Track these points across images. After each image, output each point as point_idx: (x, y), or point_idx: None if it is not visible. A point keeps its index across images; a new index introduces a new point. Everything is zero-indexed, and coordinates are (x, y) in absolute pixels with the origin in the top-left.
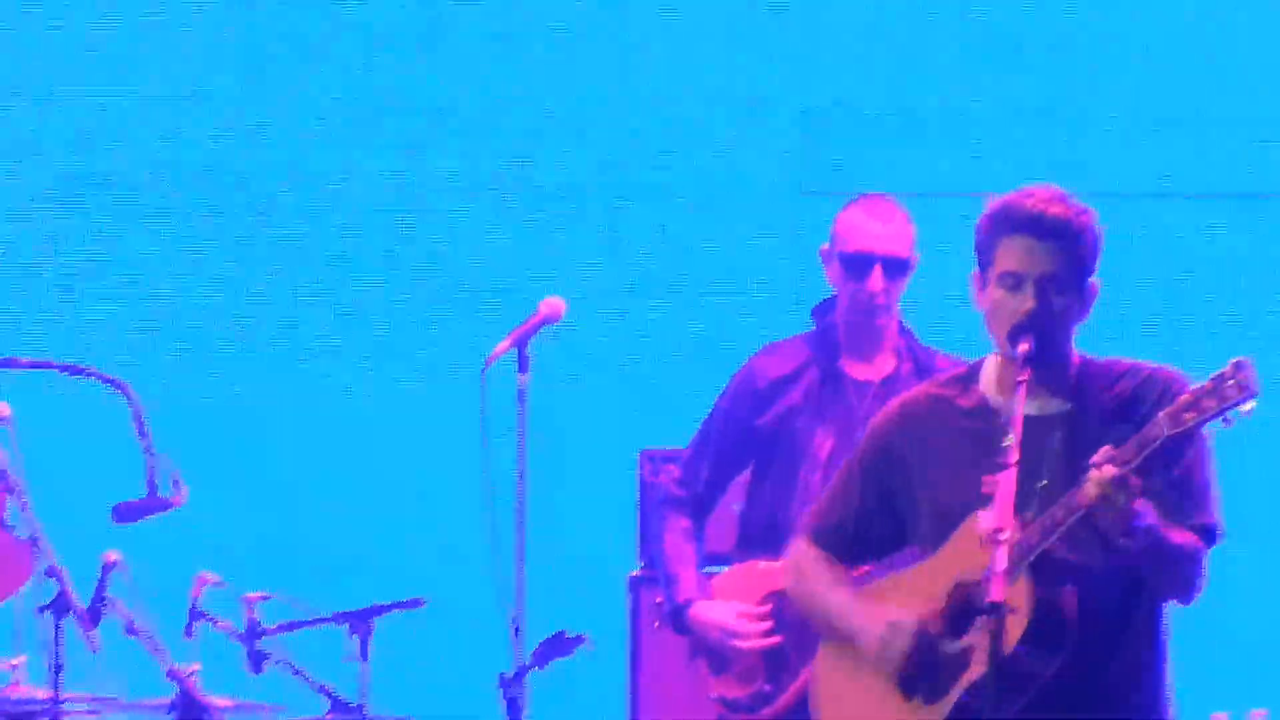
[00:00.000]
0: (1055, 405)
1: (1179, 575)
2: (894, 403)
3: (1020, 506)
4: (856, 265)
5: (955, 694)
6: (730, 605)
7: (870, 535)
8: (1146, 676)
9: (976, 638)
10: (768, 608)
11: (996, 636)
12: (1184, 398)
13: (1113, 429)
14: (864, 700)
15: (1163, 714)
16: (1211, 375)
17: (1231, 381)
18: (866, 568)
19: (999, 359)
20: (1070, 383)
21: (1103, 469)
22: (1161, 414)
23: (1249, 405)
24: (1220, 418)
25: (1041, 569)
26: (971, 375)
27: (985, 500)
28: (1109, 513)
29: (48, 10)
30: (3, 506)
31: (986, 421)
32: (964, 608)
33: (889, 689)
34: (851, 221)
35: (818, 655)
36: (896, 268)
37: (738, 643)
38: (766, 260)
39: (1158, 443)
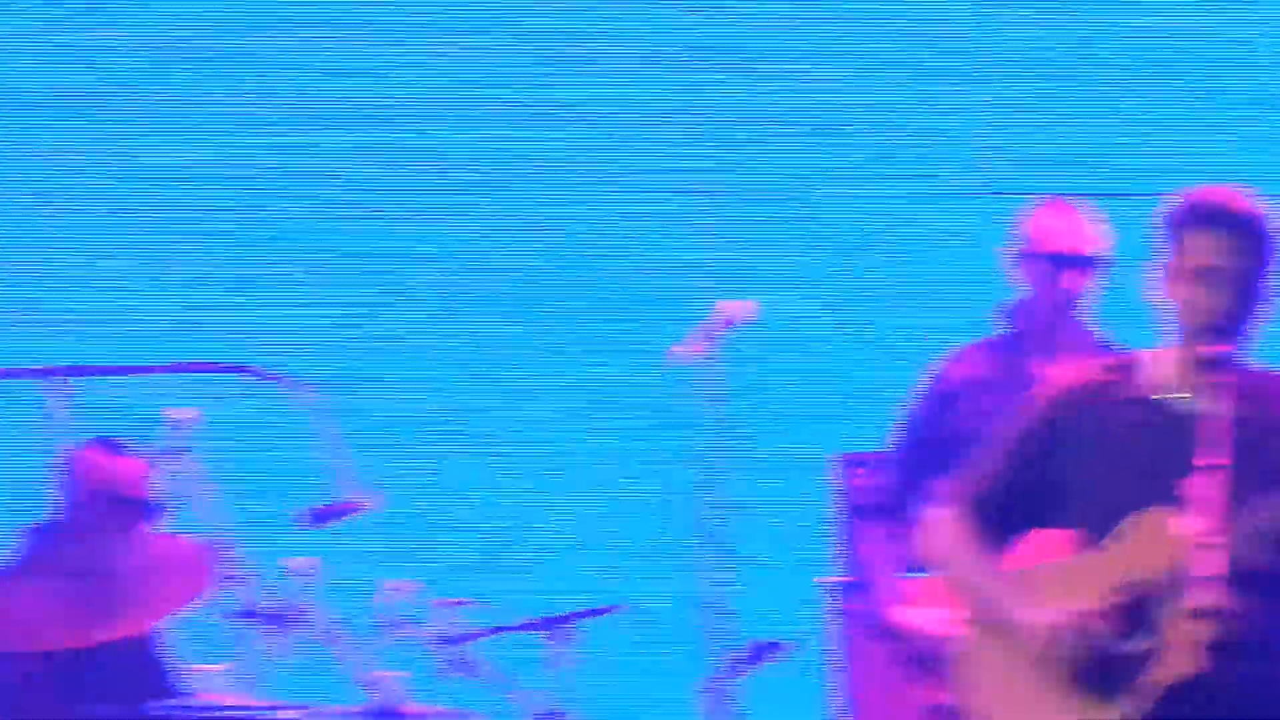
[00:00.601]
0: (1226, 407)
1: None
2: (1055, 381)
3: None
4: (1049, 266)
5: (1136, 696)
6: (931, 611)
7: (1019, 512)
8: None
9: (1161, 640)
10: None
11: (1204, 641)
12: None
13: (1275, 438)
14: (1019, 688)
15: None
16: None
17: None
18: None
19: (1171, 351)
20: (1239, 385)
21: None
22: None
23: None
24: None
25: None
26: (1135, 364)
27: (1146, 496)
28: None
29: None
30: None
31: (1150, 412)
32: (1136, 608)
33: (1049, 680)
34: (1041, 224)
35: (967, 634)
36: (1085, 265)
37: (943, 644)
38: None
39: None
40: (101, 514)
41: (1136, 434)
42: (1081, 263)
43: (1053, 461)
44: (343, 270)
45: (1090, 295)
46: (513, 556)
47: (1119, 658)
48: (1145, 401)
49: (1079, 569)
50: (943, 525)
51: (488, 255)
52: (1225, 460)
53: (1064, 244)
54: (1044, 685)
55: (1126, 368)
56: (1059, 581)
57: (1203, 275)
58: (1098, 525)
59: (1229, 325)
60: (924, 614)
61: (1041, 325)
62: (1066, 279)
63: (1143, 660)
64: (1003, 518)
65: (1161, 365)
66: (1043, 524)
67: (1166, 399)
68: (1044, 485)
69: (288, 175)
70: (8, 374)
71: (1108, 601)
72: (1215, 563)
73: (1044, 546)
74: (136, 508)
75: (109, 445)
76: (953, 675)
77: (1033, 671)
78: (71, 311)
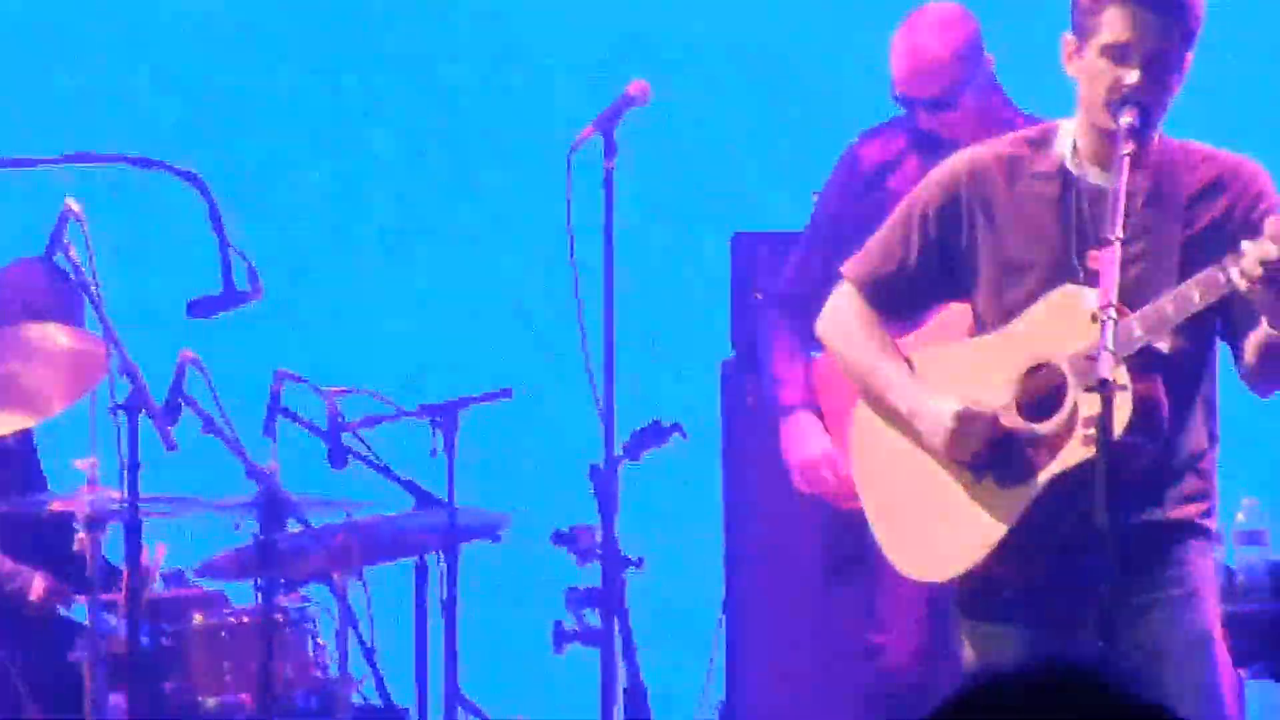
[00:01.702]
0: (1136, 181)
1: None
2: (961, 155)
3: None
4: (908, 108)
5: (1047, 477)
6: (824, 442)
7: (921, 290)
8: (1204, 463)
9: (1067, 420)
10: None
11: (1105, 415)
12: None
13: (1191, 212)
14: (920, 474)
15: (1213, 500)
16: None
17: None
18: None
19: (1081, 125)
20: (1151, 160)
21: (1263, 248)
22: None
23: None
24: None
25: (1134, 357)
26: (1045, 139)
27: (1056, 270)
28: (1269, 295)
29: None
30: (78, 301)
31: (1062, 187)
32: (1046, 388)
33: (952, 468)
34: (895, 59)
35: (856, 421)
36: (941, 104)
37: (802, 486)
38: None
39: None
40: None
41: (1041, 205)
42: (929, 106)
43: (958, 238)
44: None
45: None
46: (399, 345)
47: (1029, 440)
48: (1055, 174)
49: (983, 349)
50: (842, 309)
51: None
52: (1126, 234)
53: (910, 90)
54: (945, 472)
55: (1037, 141)
56: (963, 364)
57: (1116, 50)
58: (1004, 301)
59: (1140, 100)
60: (815, 441)
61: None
62: (919, 121)
63: (1050, 443)
64: (903, 296)
65: (1067, 136)
66: (948, 298)
67: (1076, 172)
68: (949, 263)
69: None
70: None
71: (1012, 383)
72: (1111, 336)
73: (950, 325)
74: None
75: (48, 268)
76: (852, 462)
77: (933, 458)
78: None
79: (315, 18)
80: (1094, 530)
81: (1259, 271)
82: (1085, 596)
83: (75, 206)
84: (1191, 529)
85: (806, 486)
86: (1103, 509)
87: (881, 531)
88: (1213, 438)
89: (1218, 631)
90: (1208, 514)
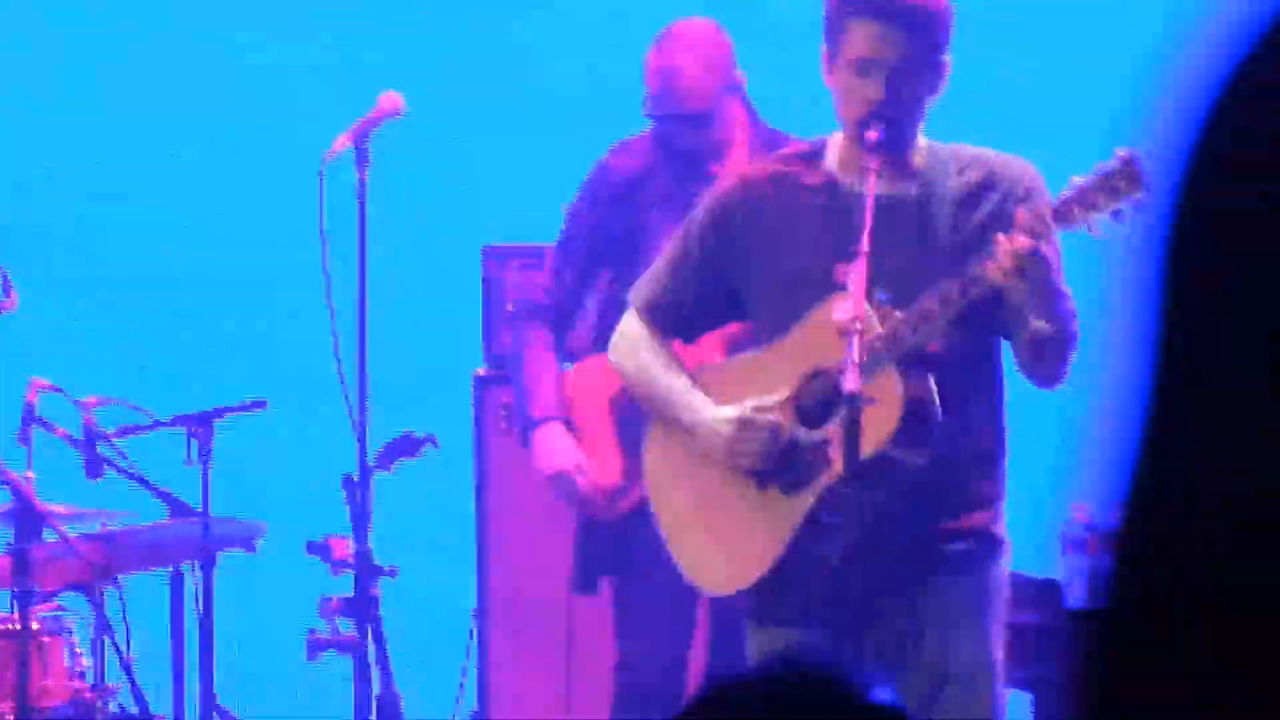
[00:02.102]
0: (902, 188)
1: (1066, 355)
2: (732, 175)
3: (871, 293)
4: (662, 126)
5: (819, 485)
6: (569, 452)
7: (704, 310)
8: (989, 465)
9: (835, 428)
10: (614, 408)
11: (852, 429)
12: (1070, 192)
13: (960, 215)
14: (709, 487)
15: (999, 503)
16: (1095, 167)
17: (1121, 176)
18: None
19: (845, 138)
20: (917, 166)
21: (1015, 240)
22: (1049, 204)
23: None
24: (1110, 213)
25: (907, 361)
26: (816, 152)
27: (830, 282)
28: (1024, 286)
29: None
30: None
31: (834, 199)
32: (823, 396)
33: (738, 478)
34: (647, 74)
35: (647, 439)
36: (697, 121)
37: (557, 495)
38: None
39: (1050, 229)
40: None
41: (814, 218)
42: (688, 121)
43: (734, 258)
44: None
45: (723, 115)
46: (153, 354)
47: (805, 448)
48: (823, 187)
49: (759, 362)
50: (629, 334)
51: None
52: (888, 244)
53: (664, 108)
54: (726, 479)
55: (807, 155)
56: (739, 375)
57: (858, 65)
58: (780, 313)
59: (884, 114)
60: (562, 444)
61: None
62: (677, 141)
63: (825, 449)
64: (688, 319)
65: (835, 149)
66: (732, 317)
67: (844, 183)
68: (728, 282)
69: None
70: None
71: (787, 392)
72: (884, 349)
73: (727, 342)
74: None
75: None
76: (645, 479)
77: (715, 468)
78: None
79: None
80: (876, 539)
81: (1010, 263)
82: (872, 607)
83: None
84: (978, 536)
85: (560, 496)
86: (852, 526)
87: (675, 548)
88: (999, 440)
89: (999, 652)
90: (995, 520)
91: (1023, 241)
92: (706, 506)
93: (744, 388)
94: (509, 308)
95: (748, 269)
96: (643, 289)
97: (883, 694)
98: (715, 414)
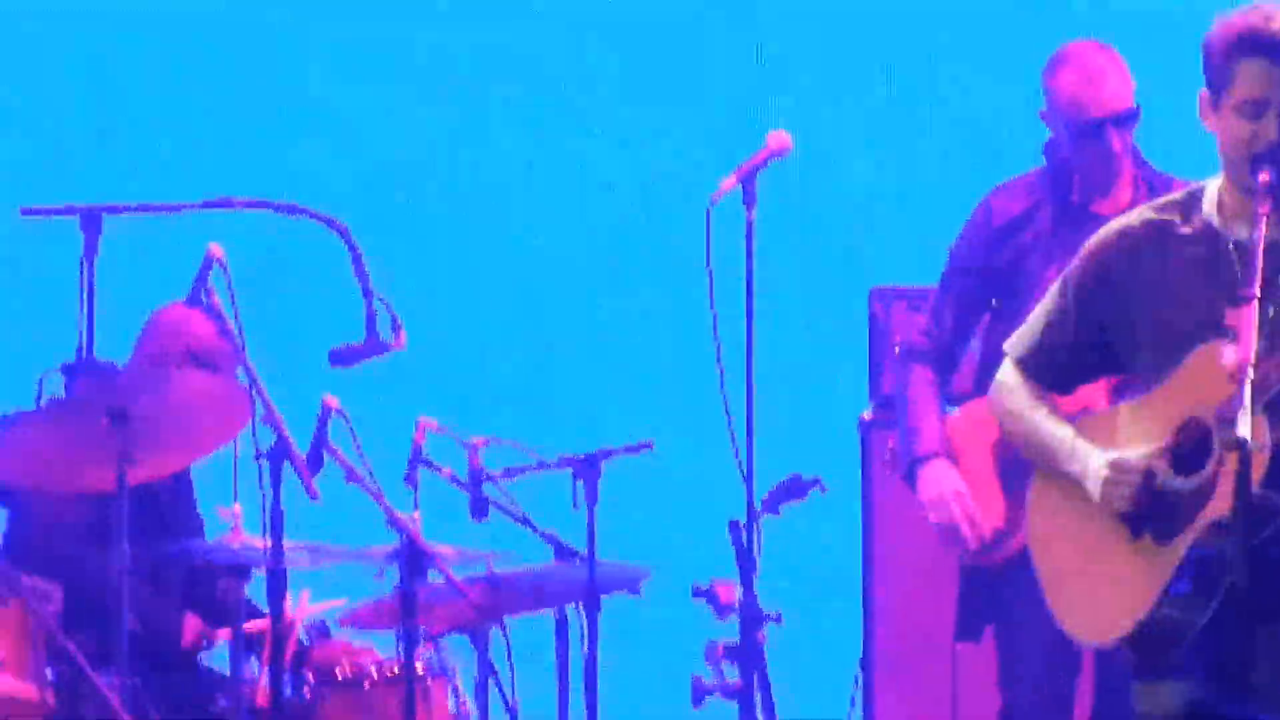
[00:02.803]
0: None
1: None
2: (1110, 227)
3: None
4: (1089, 132)
5: (1193, 532)
6: (955, 479)
7: (1082, 363)
8: None
9: (1212, 475)
10: (1000, 450)
11: (1244, 474)
12: None
13: None
14: (1086, 538)
15: None
16: None
17: None
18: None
19: (1225, 183)
20: None
21: None
22: None
23: None
24: None
25: (1273, 406)
26: (1193, 200)
27: (1212, 330)
28: None
29: None
30: (220, 353)
31: (1211, 248)
32: (1197, 444)
33: (1114, 527)
34: (1068, 89)
35: (1031, 490)
36: (1125, 121)
37: (937, 518)
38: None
39: None
40: (166, 366)
41: (1192, 268)
42: (1114, 122)
43: (1112, 309)
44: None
45: (1129, 139)
46: (541, 396)
47: (1178, 496)
48: (1202, 236)
49: (1139, 410)
50: (1007, 385)
51: None
52: (1263, 290)
53: (1093, 113)
54: (1104, 528)
55: (1183, 203)
56: (1119, 424)
57: (1250, 106)
58: (1160, 364)
59: (1274, 156)
60: (949, 479)
61: (1081, 171)
62: (1102, 144)
63: (1198, 496)
64: (1065, 370)
65: (1213, 196)
66: (1110, 370)
67: (1223, 231)
68: (1105, 333)
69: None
70: (38, 211)
71: (1165, 439)
72: (1253, 394)
73: (1108, 392)
74: (204, 365)
75: (191, 303)
76: (1027, 530)
77: (1094, 516)
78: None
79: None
80: (1250, 585)
81: None
82: (1253, 651)
83: (218, 252)
84: None
85: (937, 518)
86: (1242, 569)
87: (1052, 598)
88: None
89: None
90: None
91: None
92: (1085, 557)
93: (1122, 436)
94: (895, 349)
95: (1125, 321)
96: (1020, 341)
97: None
98: (1096, 459)
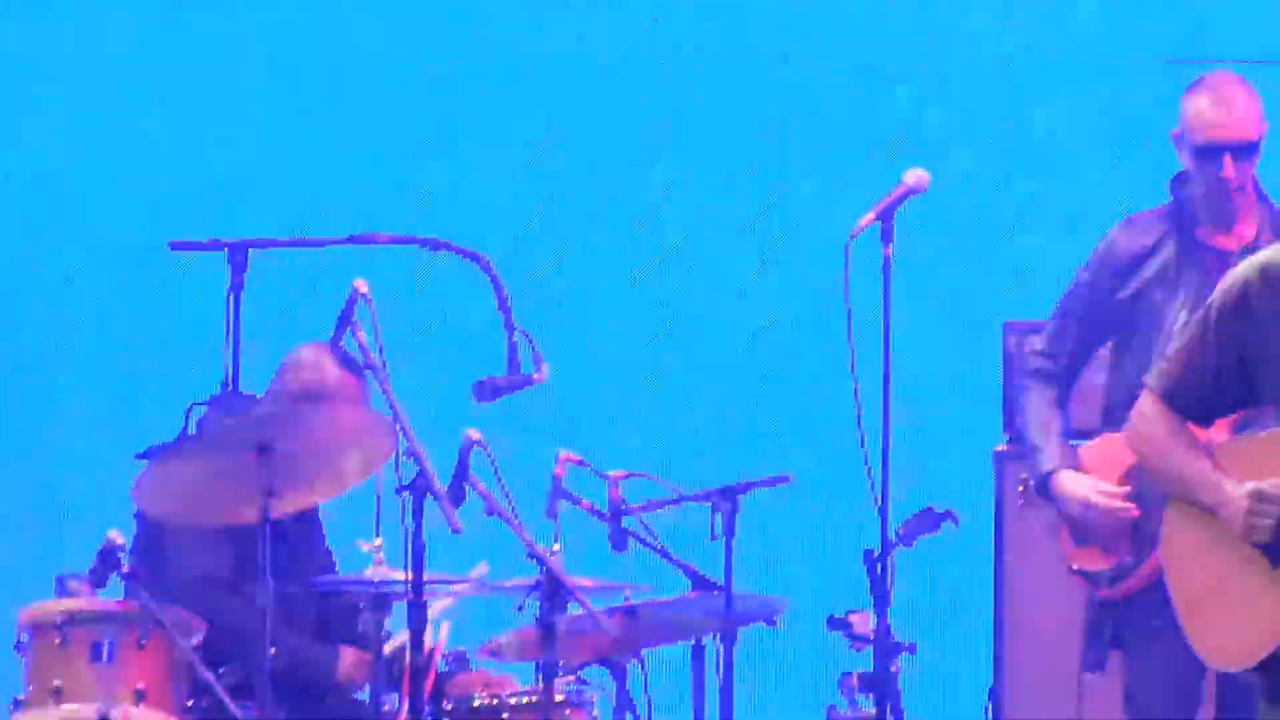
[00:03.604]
0: None
1: None
2: (1253, 260)
3: None
4: (1207, 155)
5: None
6: (1091, 479)
7: (1221, 394)
8: None
9: None
10: (1130, 481)
11: None
12: None
13: None
14: (1223, 565)
15: None
16: None
17: None
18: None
19: None
20: None
21: None
22: None
23: None
24: None
25: None
26: None
27: None
28: None
29: None
30: (364, 385)
31: None
32: None
33: (1253, 556)
34: (1198, 111)
35: (1167, 519)
36: (1246, 151)
37: (1094, 515)
38: (1131, 132)
39: None
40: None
41: None
42: (1235, 150)
43: (1252, 343)
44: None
45: (1251, 171)
46: (680, 429)
47: None
48: None
49: (1276, 442)
50: (1147, 416)
51: None
52: None
53: (1216, 134)
54: (1243, 558)
55: None
56: (1259, 454)
57: None
58: None
59: None
60: (1083, 481)
61: (1204, 202)
62: (1224, 168)
63: None
64: (1204, 402)
65: None
66: (1249, 402)
67: None
68: (1246, 367)
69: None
70: (185, 246)
71: None
72: None
73: (1229, 426)
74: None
75: (335, 351)
76: (1162, 553)
77: (1232, 547)
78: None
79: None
80: None
81: None
82: None
83: (364, 288)
84: None
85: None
86: None
87: (1188, 624)
88: None
89: None
90: None
91: None
92: (1222, 585)
93: (1261, 467)
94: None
95: (1264, 354)
96: (1159, 372)
97: None
98: (1235, 488)
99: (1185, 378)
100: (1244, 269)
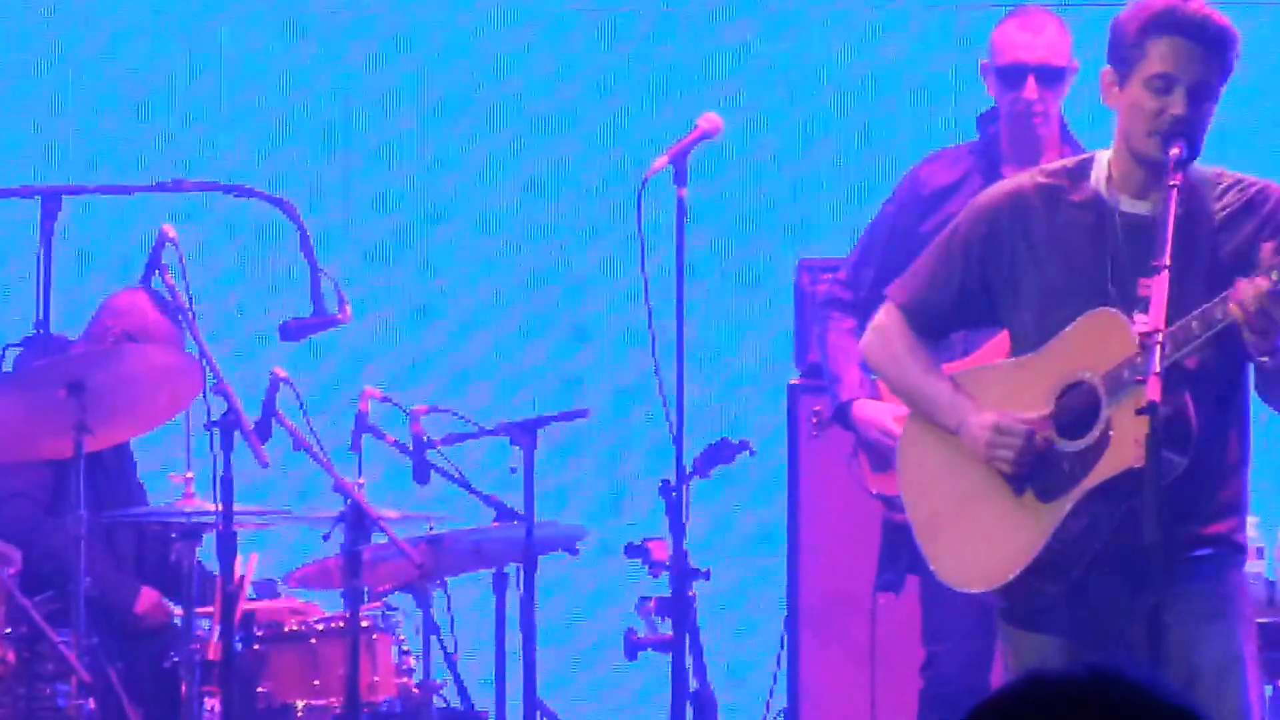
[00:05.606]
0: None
1: None
2: (1002, 186)
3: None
4: (1010, 76)
5: (1080, 492)
6: (889, 405)
7: (962, 315)
8: (1234, 476)
9: (1099, 438)
10: None
11: (1155, 436)
12: None
13: (1219, 238)
14: (962, 487)
15: (1243, 513)
16: None
17: None
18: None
19: (1119, 155)
20: (1183, 187)
21: (1256, 281)
22: None
23: None
24: None
25: (1164, 373)
26: (1082, 169)
27: (1094, 297)
28: (1259, 325)
29: None
30: (180, 329)
31: (1100, 216)
32: (1082, 408)
33: (993, 481)
34: (1005, 34)
35: (905, 433)
36: (1050, 76)
37: (892, 440)
38: (927, 71)
39: None
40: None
41: (1083, 236)
42: (1040, 72)
43: (999, 266)
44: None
45: (1055, 103)
46: (480, 364)
47: (1062, 456)
48: (1091, 204)
49: (1021, 370)
50: (887, 329)
51: None
52: (1169, 260)
53: (1021, 55)
54: (981, 481)
55: (1074, 171)
56: (1003, 382)
57: (1161, 81)
58: (1041, 324)
59: (1186, 131)
60: (881, 408)
61: (1007, 134)
62: (1026, 89)
63: (1084, 458)
64: (944, 320)
65: (1102, 167)
66: (985, 323)
67: (1110, 202)
68: (990, 289)
69: None
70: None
71: (1047, 400)
72: (1159, 360)
73: (988, 348)
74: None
75: (152, 295)
76: (898, 475)
77: (970, 469)
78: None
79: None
80: (1128, 545)
81: (1253, 306)
82: (1122, 610)
83: (172, 233)
84: (1223, 543)
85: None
86: (1154, 524)
87: (926, 542)
88: (1244, 453)
89: (1248, 650)
90: (1239, 529)
91: (1263, 283)
92: (961, 505)
93: (1002, 395)
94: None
95: (1011, 279)
96: (904, 287)
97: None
98: (977, 417)
99: (928, 295)
100: (994, 192)
